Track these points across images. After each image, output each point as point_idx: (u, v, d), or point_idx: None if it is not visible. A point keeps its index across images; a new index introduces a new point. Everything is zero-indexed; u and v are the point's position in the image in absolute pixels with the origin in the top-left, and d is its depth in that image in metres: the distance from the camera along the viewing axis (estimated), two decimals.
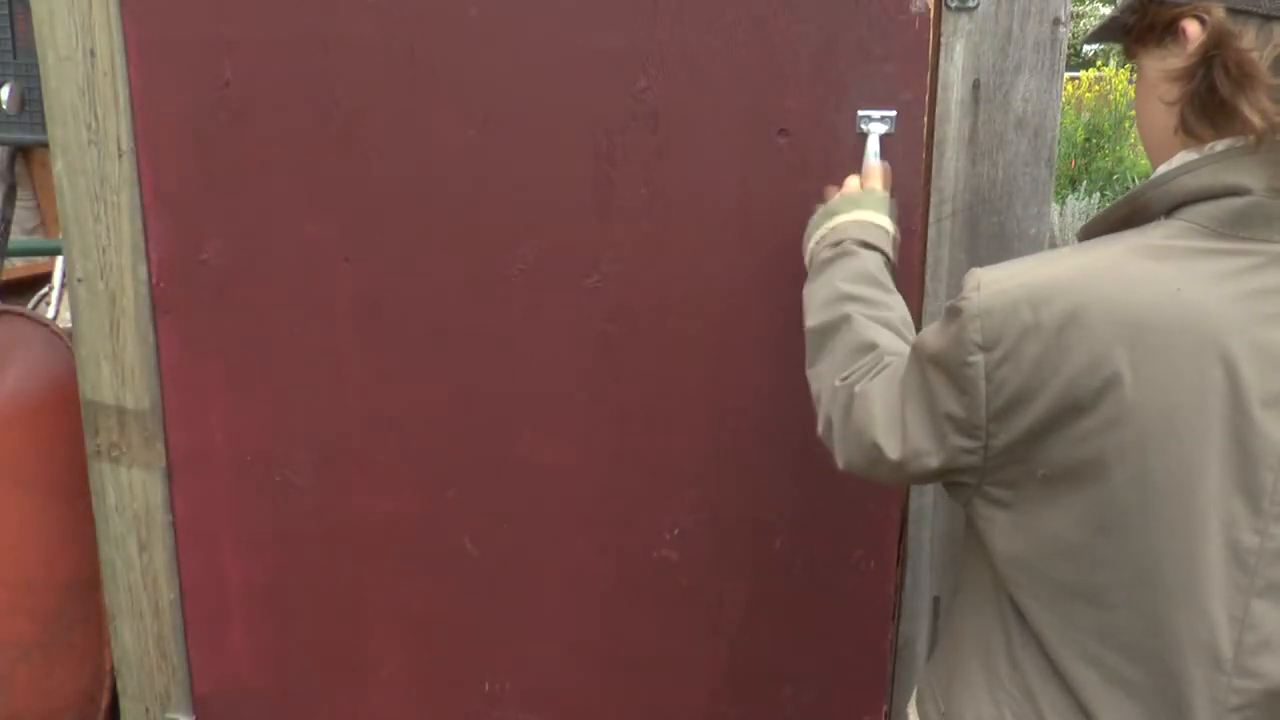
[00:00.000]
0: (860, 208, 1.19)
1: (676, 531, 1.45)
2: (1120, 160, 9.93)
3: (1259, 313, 0.79)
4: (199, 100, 1.44)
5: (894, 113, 1.29)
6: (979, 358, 0.86)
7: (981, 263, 1.44)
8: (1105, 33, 0.98)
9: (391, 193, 1.40)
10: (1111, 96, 10.43)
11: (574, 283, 1.42)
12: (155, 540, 1.65)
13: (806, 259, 1.24)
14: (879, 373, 1.00)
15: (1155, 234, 0.84)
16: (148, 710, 1.72)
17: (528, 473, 1.46)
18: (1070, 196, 8.50)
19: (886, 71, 1.29)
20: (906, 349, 1.01)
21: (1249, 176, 0.81)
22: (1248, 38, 0.80)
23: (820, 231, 1.21)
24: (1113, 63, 11.90)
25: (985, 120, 1.35)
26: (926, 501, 1.47)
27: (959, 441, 0.90)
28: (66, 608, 1.83)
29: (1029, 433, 0.85)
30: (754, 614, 1.45)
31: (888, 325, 1.08)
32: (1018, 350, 0.84)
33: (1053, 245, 1.28)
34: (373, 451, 1.49)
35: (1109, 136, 10.07)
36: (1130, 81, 10.69)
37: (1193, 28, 0.84)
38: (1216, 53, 0.81)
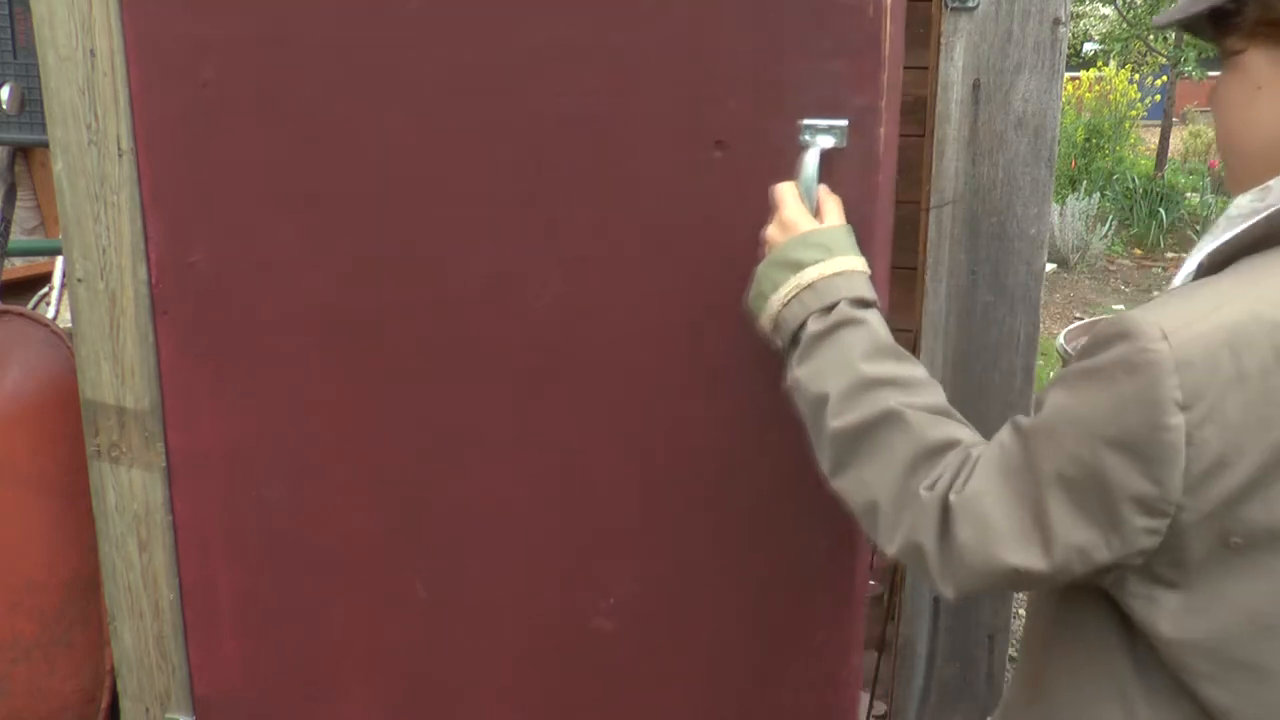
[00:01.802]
0: (834, 252, 0.98)
1: (612, 600, 1.31)
2: (1120, 160, 9.93)
3: None
4: (185, 101, 1.44)
5: (844, 122, 1.05)
6: (1179, 419, 0.73)
7: (981, 262, 1.44)
8: (1191, 19, 0.88)
9: (346, 202, 1.35)
10: (1111, 96, 10.43)
11: (512, 309, 1.27)
12: (155, 540, 1.65)
13: (770, 324, 1.01)
14: (971, 473, 0.83)
15: None
16: (148, 710, 1.72)
17: (467, 511, 1.36)
18: (1070, 196, 8.50)
19: (833, 71, 1.06)
20: (977, 437, 0.89)
21: None
22: None
23: (786, 289, 0.98)
24: (1113, 63, 11.89)
25: (985, 120, 1.34)
26: None
27: (1142, 523, 0.76)
28: (66, 608, 1.83)
29: (1228, 499, 0.74)
30: (705, 690, 1.30)
31: (944, 413, 0.92)
32: (1221, 405, 0.73)
33: (1052, 245, 1.26)
34: (334, 470, 1.46)
35: (1109, 136, 10.07)
36: (1135, 83, 10.65)
37: None
38: None
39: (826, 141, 1.05)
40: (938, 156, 1.36)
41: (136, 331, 1.57)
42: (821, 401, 0.93)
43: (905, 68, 2.72)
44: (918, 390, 0.92)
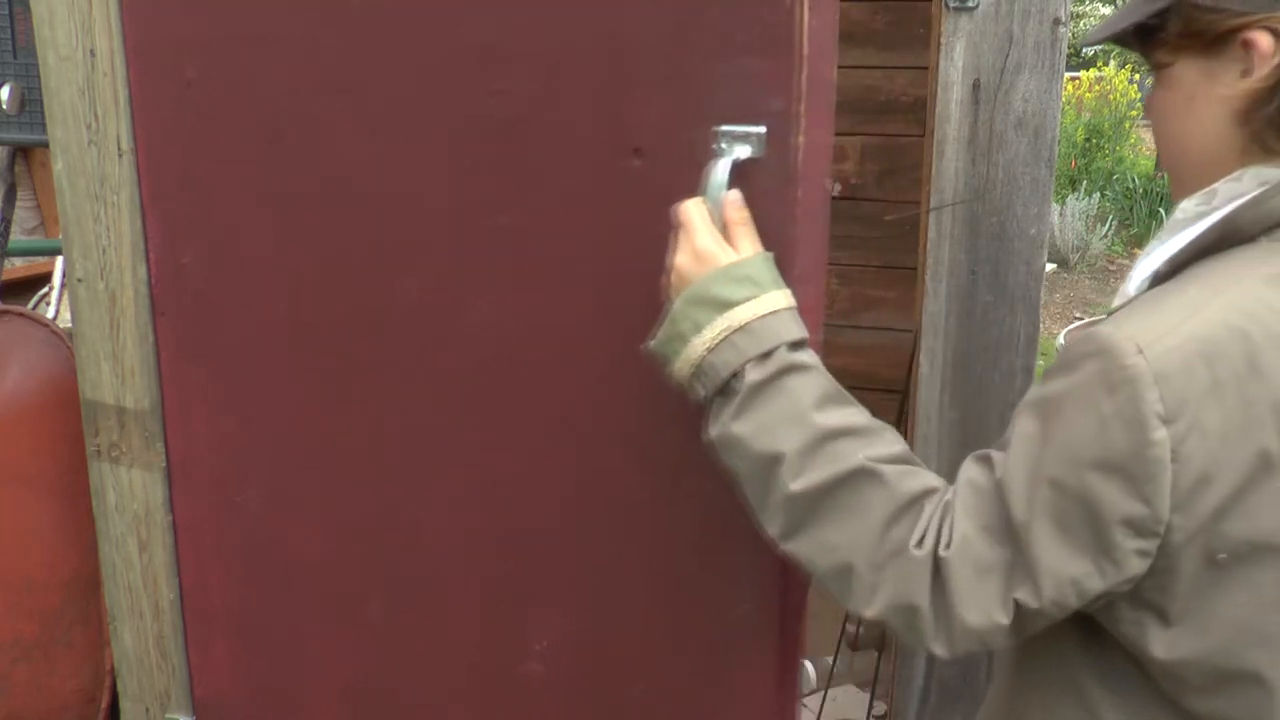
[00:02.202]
0: (763, 287, 0.88)
1: (544, 644, 1.25)
2: (1120, 160, 9.93)
3: None
4: (173, 101, 1.44)
5: (761, 129, 0.92)
6: (1163, 434, 0.72)
7: (981, 262, 1.44)
8: (1118, 36, 0.90)
9: (306, 205, 1.32)
10: (1111, 96, 10.43)
11: (442, 326, 1.20)
12: (155, 540, 1.65)
13: (689, 370, 0.89)
14: (953, 523, 0.80)
15: (1277, 259, 0.77)
16: (148, 710, 1.72)
17: (411, 537, 1.31)
18: (1070, 196, 8.50)
19: (747, 70, 0.93)
20: (942, 480, 0.85)
21: None
22: None
23: (713, 331, 0.87)
24: (1113, 63, 11.90)
25: (985, 120, 1.34)
26: None
27: (1133, 545, 0.75)
28: (66, 608, 1.83)
29: (1214, 513, 0.74)
30: None
31: (908, 460, 0.86)
32: (1202, 417, 0.72)
33: (1052, 245, 1.26)
34: (304, 480, 1.45)
35: (1109, 136, 10.07)
36: (1135, 83, 10.67)
37: (1265, 41, 0.78)
38: None
39: (742, 151, 0.92)
40: (938, 156, 1.36)
41: (136, 331, 1.56)
42: (773, 461, 0.84)
43: (905, 68, 2.73)
44: (878, 439, 0.86)
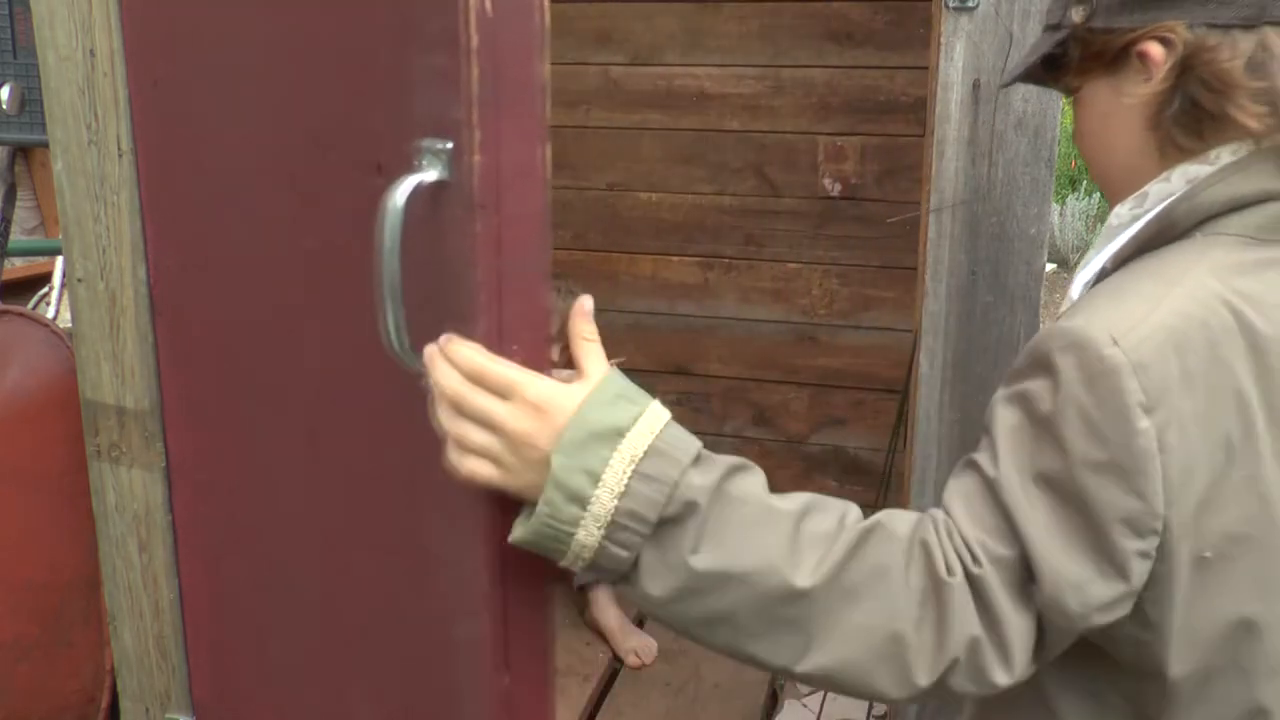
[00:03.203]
0: (637, 399, 0.76)
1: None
2: None
3: None
4: (156, 100, 1.43)
5: (448, 145, 0.76)
6: (1147, 423, 0.72)
7: (981, 262, 1.44)
8: (1031, 74, 0.95)
9: (243, 207, 1.28)
10: None
11: (255, 346, 1.16)
12: (155, 540, 1.65)
13: (604, 520, 0.73)
14: (963, 539, 0.76)
15: (1216, 252, 0.80)
16: (148, 710, 1.72)
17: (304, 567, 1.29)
18: (1070, 196, 8.50)
19: (437, 75, 0.77)
20: (911, 512, 0.80)
21: (1275, 180, 0.80)
22: (1220, 49, 0.80)
23: (616, 476, 0.72)
24: None
25: (985, 120, 1.34)
26: (926, 501, 1.47)
27: (1134, 546, 0.74)
28: (66, 608, 1.83)
29: (1198, 507, 0.75)
30: None
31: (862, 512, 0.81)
32: (1178, 406, 0.73)
33: (1052, 245, 1.26)
34: (273, 485, 1.45)
35: None
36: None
37: (1156, 50, 0.83)
38: (1193, 69, 0.81)
39: (432, 172, 0.76)
40: (938, 156, 1.36)
41: (136, 331, 1.56)
42: (769, 573, 0.73)
43: (905, 68, 2.72)
44: (834, 504, 0.79)
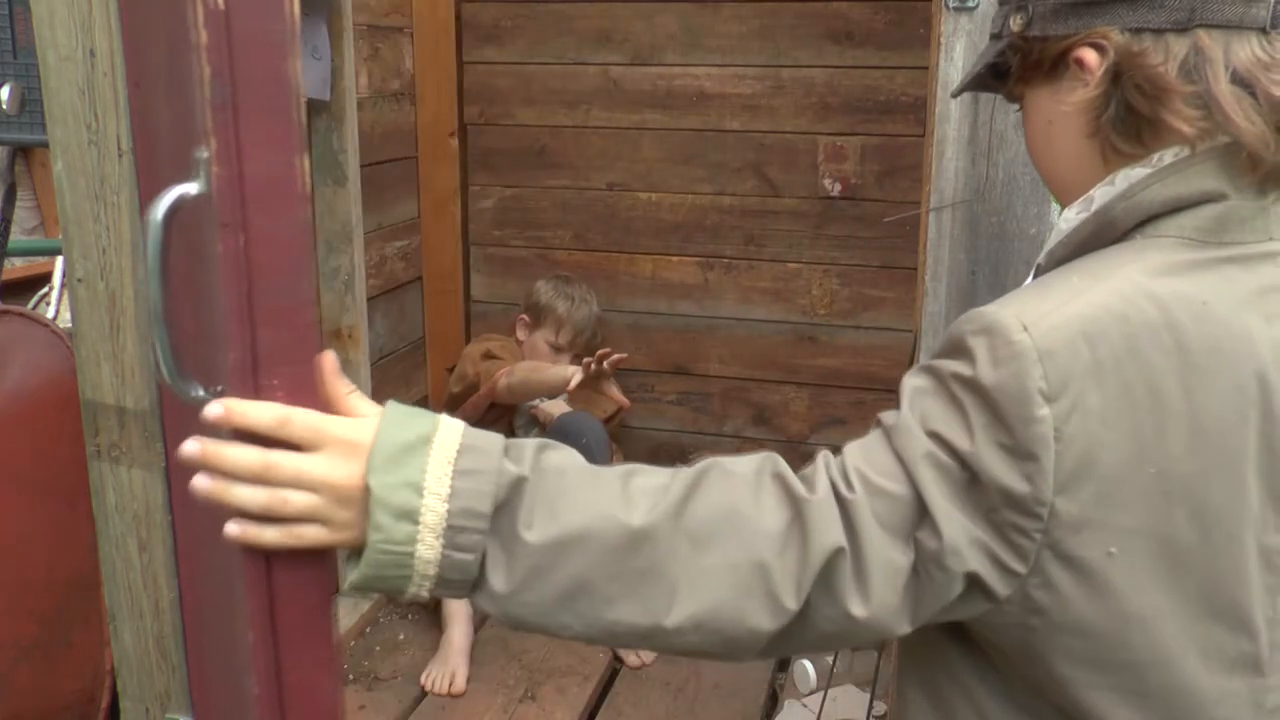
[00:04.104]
0: (420, 413, 0.74)
1: None
2: None
3: (1269, 312, 0.78)
4: (144, 102, 1.44)
5: (205, 154, 0.68)
6: (1046, 411, 0.73)
7: (981, 262, 1.44)
8: (978, 83, 0.97)
9: None
10: None
11: None
12: (155, 540, 1.65)
13: (438, 540, 0.71)
14: (843, 466, 0.77)
15: (1153, 253, 0.81)
16: (148, 710, 1.72)
17: None
18: None
19: (184, 69, 0.72)
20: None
21: (1214, 181, 0.81)
22: (1152, 54, 0.80)
23: (438, 479, 0.70)
24: None
25: (985, 120, 1.35)
26: None
27: (1013, 518, 0.74)
28: (66, 608, 1.83)
29: (1098, 499, 0.74)
30: None
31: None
32: (1084, 397, 0.73)
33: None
34: None
35: None
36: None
37: (1090, 56, 0.83)
38: (1126, 74, 0.81)
39: (192, 185, 0.68)
40: (938, 156, 1.36)
41: (136, 331, 1.57)
42: (606, 521, 0.72)
43: (905, 68, 2.73)
44: (656, 468, 0.78)
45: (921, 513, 0.75)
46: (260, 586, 0.74)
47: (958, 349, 0.78)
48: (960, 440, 0.75)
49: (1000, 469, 0.73)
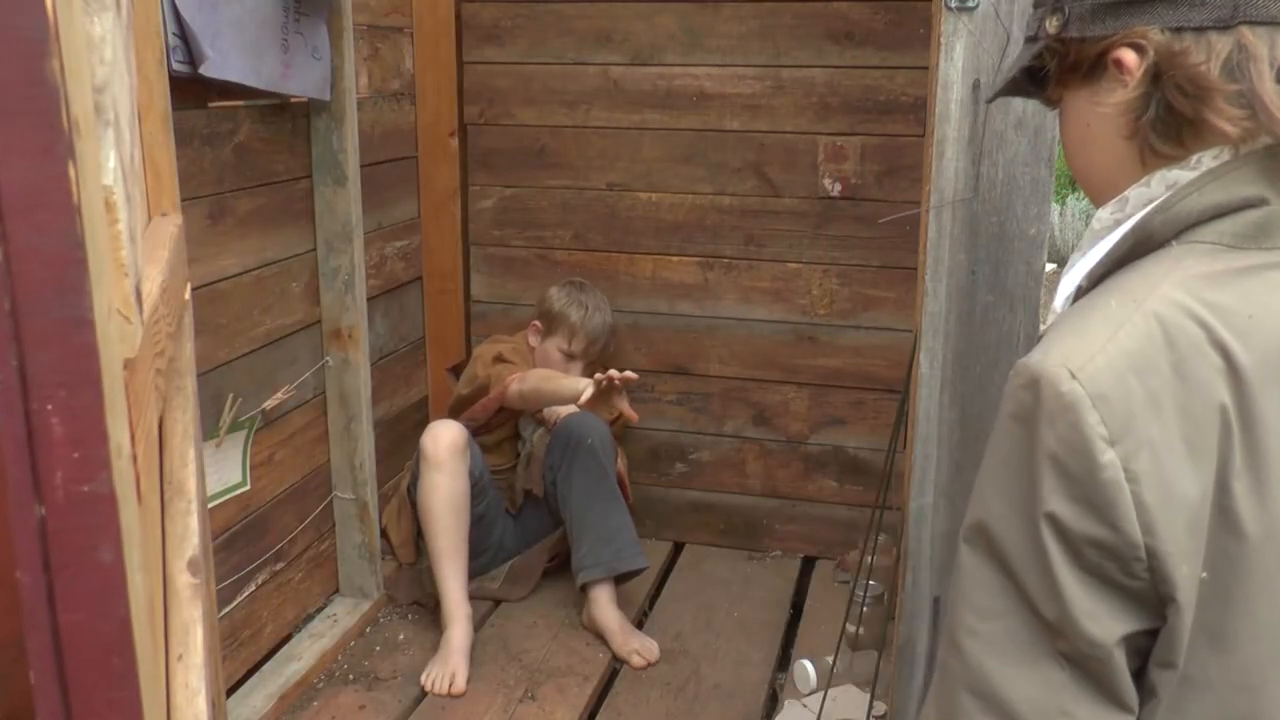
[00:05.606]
0: None
1: None
2: None
3: None
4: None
5: None
6: (1111, 455, 0.72)
7: (981, 262, 1.44)
8: (1015, 87, 0.95)
9: None
10: None
11: None
12: None
13: None
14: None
15: (1190, 261, 0.79)
16: None
17: None
18: (1070, 196, 8.50)
19: None
20: None
21: (1254, 186, 0.79)
22: (1193, 52, 0.79)
23: None
24: None
25: (985, 120, 1.34)
26: (926, 501, 1.47)
27: (1113, 566, 0.74)
28: None
29: (1190, 527, 0.74)
30: None
31: None
32: (1147, 432, 0.73)
33: (1052, 245, 1.25)
34: None
35: None
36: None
37: (1129, 56, 0.82)
38: (1166, 74, 0.80)
39: None
40: (938, 156, 1.37)
41: None
42: None
43: (905, 68, 2.72)
44: None
45: (1053, 615, 0.75)
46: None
47: (1012, 408, 0.78)
48: (1038, 512, 0.74)
49: (1084, 523, 0.73)
